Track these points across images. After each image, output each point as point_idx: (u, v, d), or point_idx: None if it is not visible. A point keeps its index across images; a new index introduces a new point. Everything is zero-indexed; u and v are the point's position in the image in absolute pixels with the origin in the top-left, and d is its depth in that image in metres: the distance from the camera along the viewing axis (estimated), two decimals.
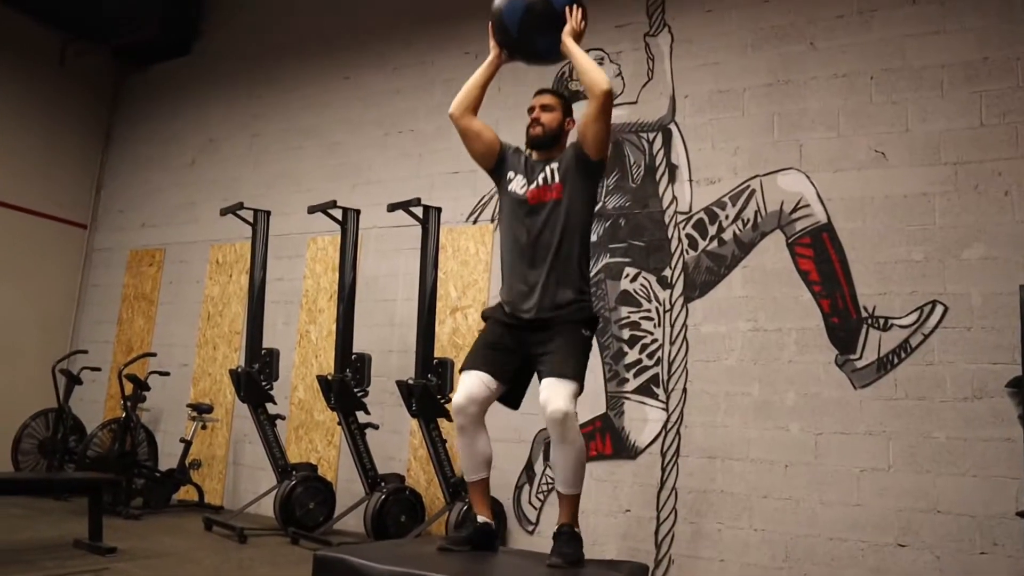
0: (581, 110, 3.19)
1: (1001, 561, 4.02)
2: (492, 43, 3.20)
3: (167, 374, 6.78)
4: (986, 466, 4.14)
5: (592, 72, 2.95)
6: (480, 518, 3.08)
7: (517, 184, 3.05)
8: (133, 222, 7.89)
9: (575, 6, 3.05)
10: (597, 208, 4.04)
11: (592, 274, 5.08)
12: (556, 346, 2.90)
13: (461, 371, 3.04)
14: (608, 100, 2.94)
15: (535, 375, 3.04)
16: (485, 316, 3.18)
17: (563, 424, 2.76)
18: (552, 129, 3.09)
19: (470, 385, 2.96)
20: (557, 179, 2.99)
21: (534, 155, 3.13)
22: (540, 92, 3.24)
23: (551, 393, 2.81)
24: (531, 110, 3.17)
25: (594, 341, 3.18)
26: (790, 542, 4.49)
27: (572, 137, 3.25)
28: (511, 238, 3.04)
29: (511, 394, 3.09)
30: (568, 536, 2.71)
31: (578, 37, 3.06)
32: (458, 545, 2.88)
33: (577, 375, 2.88)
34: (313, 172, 6.79)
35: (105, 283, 7.94)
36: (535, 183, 3.00)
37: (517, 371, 3.01)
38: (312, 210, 5.63)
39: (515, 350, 2.99)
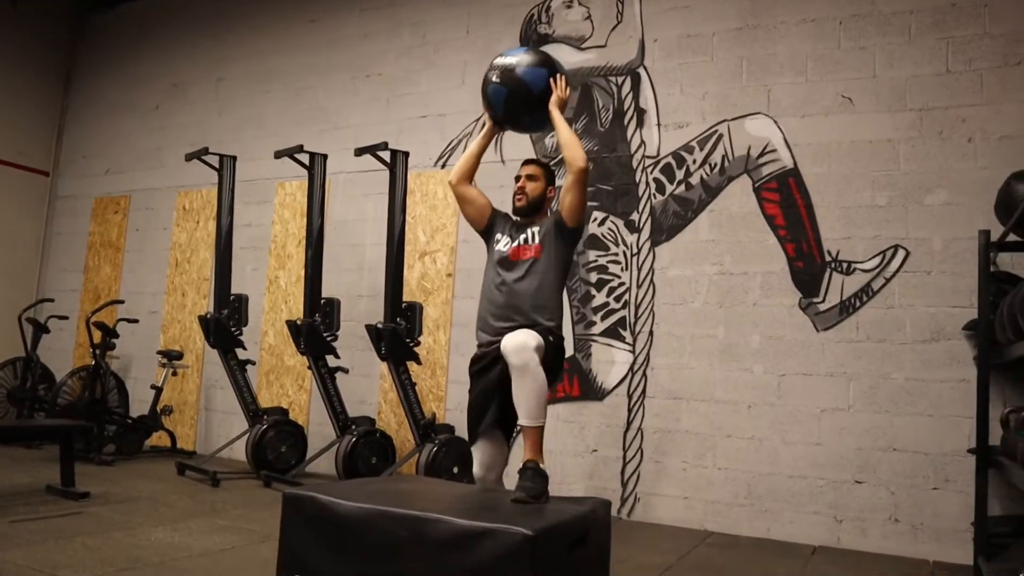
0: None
1: (952, 496, 4.17)
2: (487, 117, 3.40)
3: (136, 321, 6.75)
4: (941, 406, 4.27)
5: (572, 148, 3.16)
6: (541, 464, 3.13)
7: (502, 244, 3.27)
8: (97, 168, 7.76)
9: (559, 76, 3.26)
10: None
11: None
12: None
13: (470, 443, 3.22)
14: (584, 176, 3.15)
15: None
16: (470, 369, 3.31)
17: (521, 352, 2.86)
18: (535, 199, 3.29)
19: (480, 458, 3.17)
20: (537, 240, 3.21)
21: (520, 220, 3.35)
22: (527, 163, 3.42)
23: (512, 335, 2.95)
24: (517, 179, 3.34)
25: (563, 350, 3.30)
26: (752, 480, 4.62)
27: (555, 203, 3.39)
28: (489, 288, 3.24)
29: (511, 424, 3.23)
30: (533, 472, 2.78)
31: (563, 105, 3.26)
32: (540, 497, 2.93)
33: (542, 340, 2.98)
34: (280, 117, 6.70)
35: (70, 231, 7.84)
36: (516, 242, 3.23)
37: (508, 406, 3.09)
38: (279, 155, 5.58)
39: (502, 384, 3.08)
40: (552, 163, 5.09)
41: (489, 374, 3.13)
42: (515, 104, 3.23)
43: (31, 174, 7.89)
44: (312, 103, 6.57)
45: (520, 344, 2.88)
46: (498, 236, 3.31)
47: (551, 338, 3.09)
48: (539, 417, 2.89)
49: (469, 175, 3.40)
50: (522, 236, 3.23)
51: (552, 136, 3.22)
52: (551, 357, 3.06)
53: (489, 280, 3.26)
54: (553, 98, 3.22)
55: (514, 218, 3.37)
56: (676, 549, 4.13)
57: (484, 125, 3.43)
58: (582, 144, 3.21)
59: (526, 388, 2.87)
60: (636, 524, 4.76)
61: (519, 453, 2.98)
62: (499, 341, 3.01)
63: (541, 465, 2.83)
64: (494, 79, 3.23)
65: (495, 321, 3.16)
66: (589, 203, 5.18)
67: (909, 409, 4.33)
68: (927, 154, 4.47)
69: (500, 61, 3.27)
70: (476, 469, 3.19)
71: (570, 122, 3.31)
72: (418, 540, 2.28)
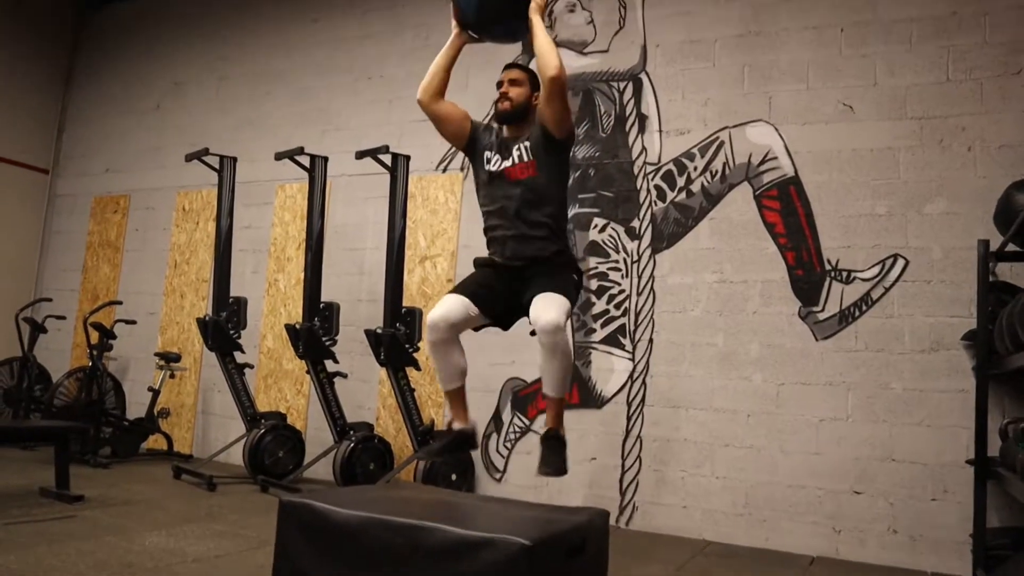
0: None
1: (951, 507, 4.16)
2: (454, 23, 3.20)
3: (134, 323, 6.73)
4: (940, 416, 4.25)
5: (546, 55, 2.93)
6: (456, 424, 3.22)
7: (494, 162, 3.12)
8: (97, 167, 7.74)
9: None
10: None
11: None
12: (544, 278, 3.00)
13: (447, 293, 3.12)
14: (556, 86, 2.93)
15: (525, 315, 3.09)
16: (477, 263, 3.24)
17: (554, 335, 2.82)
18: (520, 104, 3.12)
19: (449, 306, 3.02)
20: (530, 156, 3.06)
21: (505, 131, 3.18)
22: (509, 67, 3.26)
23: (542, 307, 2.88)
24: (499, 84, 3.18)
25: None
26: (750, 489, 4.61)
27: None
28: (495, 209, 3.11)
29: (500, 320, 3.17)
30: (554, 441, 2.91)
31: (543, 11, 3.06)
32: (438, 455, 3.07)
33: (567, 293, 2.98)
34: (281, 118, 6.69)
35: (69, 230, 7.82)
36: (510, 160, 3.07)
37: (503, 311, 3.10)
38: (279, 156, 5.57)
39: (503, 293, 3.08)
40: None
41: (497, 285, 3.10)
42: (490, 6, 2.98)
43: (30, 172, 7.87)
44: (313, 104, 6.56)
45: (553, 324, 2.82)
46: (486, 153, 3.15)
47: (575, 276, 3.08)
48: (562, 390, 2.97)
49: (439, 91, 3.17)
50: (515, 153, 3.07)
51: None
52: (574, 290, 3.08)
53: (493, 209, 3.12)
54: (533, 4, 3.00)
55: (496, 127, 3.20)
56: (674, 559, 4.11)
57: (452, 31, 3.19)
58: (557, 52, 2.95)
59: (555, 364, 2.89)
60: (634, 533, 4.75)
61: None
62: (516, 263, 3.03)
63: (562, 432, 2.96)
64: None
65: (516, 247, 3.06)
66: (589, 210, 5.20)
67: (908, 419, 4.32)
68: (927, 163, 4.46)
69: None
70: (433, 314, 3.00)
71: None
72: (414, 549, 2.27)
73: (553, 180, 3.06)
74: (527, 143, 3.08)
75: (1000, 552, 3.65)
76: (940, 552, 4.14)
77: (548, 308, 2.85)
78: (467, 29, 3.13)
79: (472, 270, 3.29)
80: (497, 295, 3.08)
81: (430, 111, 3.19)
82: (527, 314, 2.97)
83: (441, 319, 2.98)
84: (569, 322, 2.94)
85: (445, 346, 3.03)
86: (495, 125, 3.23)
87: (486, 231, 3.21)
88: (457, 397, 3.22)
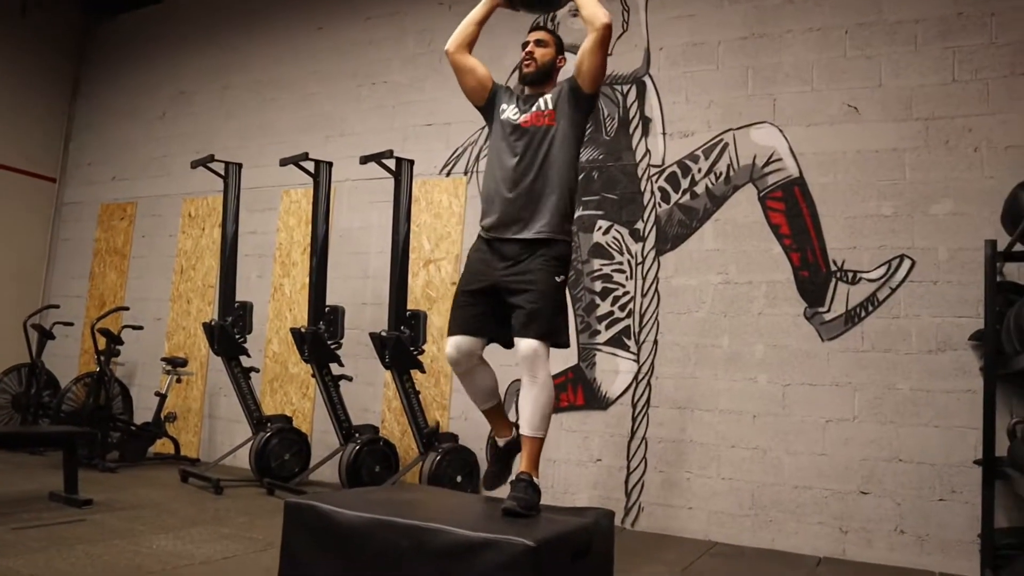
0: (571, 62, 3.20)
1: (958, 508, 4.14)
2: None
3: (140, 328, 6.75)
4: (947, 416, 4.24)
5: (593, 7, 2.97)
6: (499, 439, 3.23)
7: (510, 112, 3.09)
8: (103, 175, 7.78)
9: None
10: None
11: None
12: (531, 297, 2.90)
13: (448, 335, 3.09)
14: (607, 33, 2.96)
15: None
16: (469, 254, 3.21)
17: (534, 362, 2.81)
18: (545, 64, 3.12)
19: (456, 344, 3.04)
20: (551, 106, 3.05)
21: (527, 90, 3.18)
22: (534, 29, 3.25)
23: (527, 341, 2.87)
24: (525, 45, 3.18)
25: (567, 293, 3.22)
26: (756, 490, 4.59)
27: (563, 76, 3.25)
28: (498, 162, 3.07)
29: (499, 337, 3.12)
30: (526, 484, 2.72)
31: None
32: (500, 478, 3.03)
33: (551, 330, 2.91)
34: (286, 124, 6.71)
35: (76, 237, 7.86)
36: (528, 111, 3.06)
37: (497, 320, 3.03)
38: (284, 162, 5.58)
39: (491, 294, 3.00)
40: None
41: (486, 279, 3.02)
42: None
43: (38, 180, 7.91)
44: (318, 110, 6.58)
45: (533, 354, 2.81)
46: (503, 107, 3.13)
47: (559, 278, 2.95)
48: (541, 429, 2.84)
49: (468, 43, 3.19)
50: (534, 105, 3.05)
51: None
52: (561, 295, 2.98)
53: (496, 154, 3.09)
54: None
55: (518, 89, 3.19)
56: (680, 560, 4.10)
57: None
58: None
59: (533, 398, 2.82)
60: (640, 534, 4.74)
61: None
62: (508, 238, 2.95)
63: (535, 479, 2.78)
64: None
65: (508, 210, 2.98)
66: (593, 212, 5.20)
67: (915, 420, 4.31)
68: (933, 164, 4.45)
69: None
70: (449, 353, 3.04)
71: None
72: (419, 550, 2.27)
73: (566, 136, 3.02)
74: (549, 96, 3.08)
75: (1008, 552, 3.64)
76: (948, 552, 4.12)
77: (530, 341, 2.84)
78: None
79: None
80: (487, 316, 3.01)
81: (455, 60, 3.20)
82: (506, 337, 3.02)
83: (456, 357, 3.03)
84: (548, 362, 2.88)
85: (470, 375, 3.09)
86: (516, 88, 3.22)
87: (484, 196, 3.13)
88: (493, 415, 3.23)
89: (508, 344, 3.06)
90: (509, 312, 2.95)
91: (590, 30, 2.97)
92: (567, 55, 3.26)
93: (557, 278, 2.95)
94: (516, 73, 3.21)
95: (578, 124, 3.08)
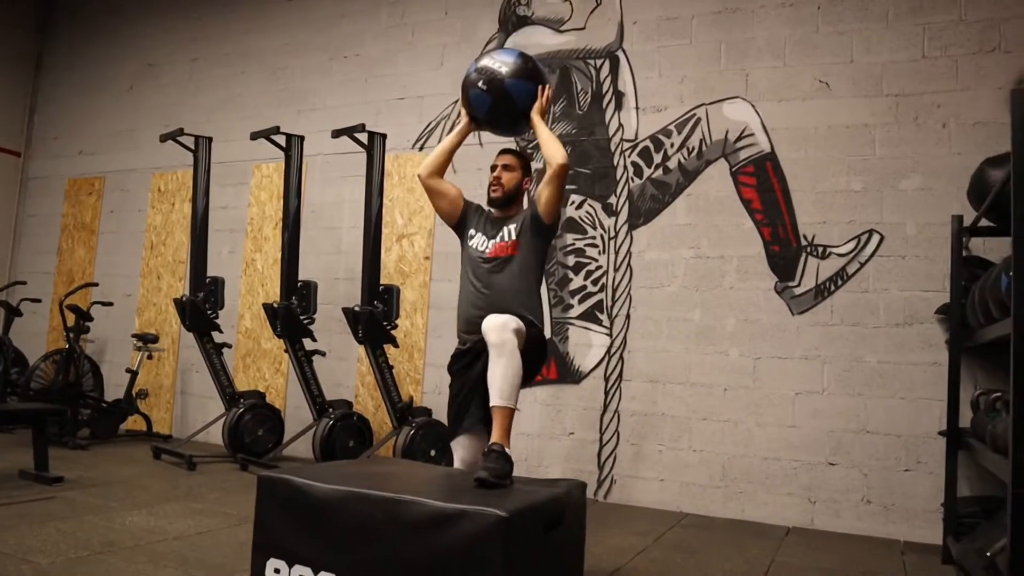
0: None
1: (923, 478, 4.23)
2: (463, 113, 3.35)
3: (110, 304, 6.68)
4: (913, 389, 4.32)
5: (551, 146, 3.15)
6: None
7: (478, 241, 3.25)
8: (70, 149, 7.65)
9: (546, 86, 3.25)
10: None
11: None
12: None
13: (452, 437, 3.19)
14: (562, 172, 3.13)
15: None
16: (450, 369, 3.30)
17: (502, 332, 2.85)
18: (511, 190, 3.27)
19: (465, 452, 3.13)
20: (514, 236, 3.20)
21: (494, 212, 3.33)
22: (503, 152, 3.37)
23: (493, 316, 2.93)
24: (493, 168, 3.31)
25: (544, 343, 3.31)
26: (727, 462, 4.66)
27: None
28: (469, 288, 3.22)
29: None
30: (498, 454, 2.74)
31: (544, 113, 3.25)
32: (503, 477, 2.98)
33: (520, 320, 2.97)
34: (256, 97, 6.63)
35: (42, 212, 7.73)
36: (494, 240, 3.21)
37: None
38: (255, 136, 5.52)
39: (477, 386, 3.07)
40: (529, 147, 5.10)
41: (472, 370, 3.10)
42: (497, 114, 3.23)
43: (2, 154, 7.76)
44: (288, 84, 6.50)
45: (500, 324, 2.86)
46: (472, 231, 3.29)
47: (533, 331, 3.07)
48: (511, 399, 2.86)
49: (440, 170, 3.35)
50: (499, 235, 3.21)
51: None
52: (532, 348, 3.03)
53: (467, 281, 3.24)
54: (536, 106, 3.21)
55: (488, 210, 3.34)
56: (651, 530, 4.16)
57: (460, 122, 3.36)
58: (561, 143, 3.22)
59: (502, 367, 2.84)
60: (612, 506, 4.79)
61: None
62: (480, 335, 2.96)
63: (507, 449, 2.80)
64: (480, 85, 3.18)
65: (477, 318, 3.06)
66: (567, 187, 5.19)
67: (882, 392, 4.38)
68: (902, 140, 4.50)
69: (487, 64, 3.20)
70: (457, 465, 3.13)
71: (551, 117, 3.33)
72: (393, 521, 2.28)
73: (529, 263, 3.19)
74: (514, 226, 3.23)
75: (970, 520, 3.73)
76: (912, 521, 4.22)
77: (498, 316, 2.91)
78: (476, 123, 3.32)
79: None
80: (482, 388, 3.02)
81: (429, 185, 3.34)
82: None
83: (468, 468, 3.08)
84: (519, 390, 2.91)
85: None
86: (486, 208, 3.36)
87: (459, 312, 3.26)
88: None
89: None
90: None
91: (548, 166, 3.14)
92: (530, 170, 3.39)
93: (532, 329, 3.06)
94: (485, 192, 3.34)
95: (539, 250, 3.26)
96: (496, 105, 3.19)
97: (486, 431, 2.96)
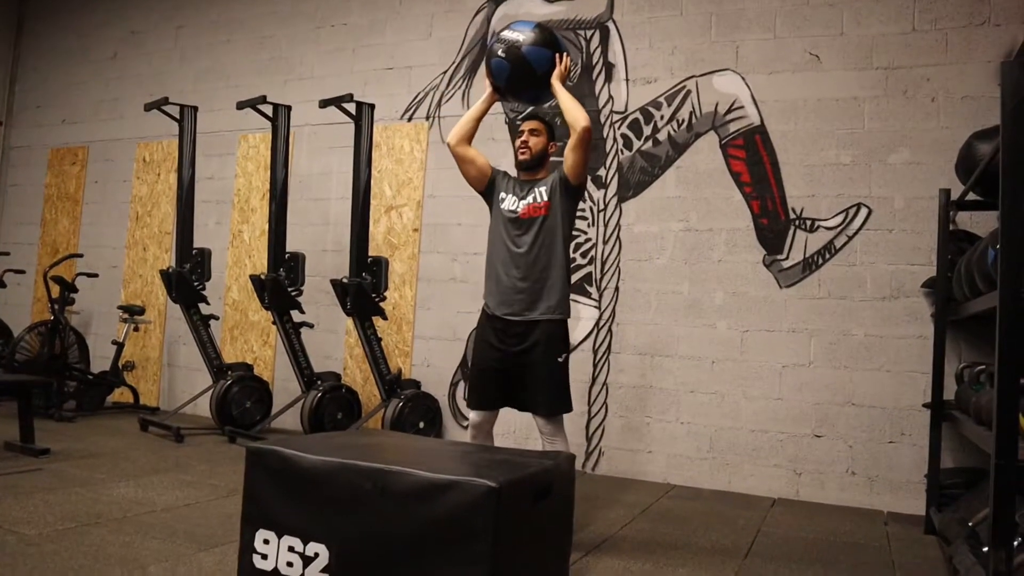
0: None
1: (907, 449, 4.27)
2: (487, 83, 3.43)
3: (96, 276, 6.63)
4: (899, 362, 4.35)
5: (574, 111, 3.22)
6: None
7: (509, 202, 3.34)
8: (52, 118, 7.54)
9: (564, 54, 3.34)
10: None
11: None
12: (539, 380, 3.24)
13: (469, 407, 3.40)
14: (586, 135, 3.21)
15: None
16: (479, 323, 3.44)
17: (554, 432, 3.29)
18: (538, 152, 3.38)
19: (482, 420, 3.36)
20: (545, 198, 3.29)
21: (521, 176, 3.42)
22: (528, 117, 3.50)
23: (539, 418, 3.29)
24: (520, 134, 3.40)
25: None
26: (714, 434, 4.70)
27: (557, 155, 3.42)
28: (502, 249, 3.33)
29: (513, 404, 3.37)
30: None
31: (564, 80, 3.32)
32: None
33: (559, 407, 3.30)
34: (242, 67, 6.54)
35: (25, 182, 7.64)
36: (526, 200, 3.31)
37: (509, 391, 3.31)
38: (241, 106, 5.46)
39: (501, 370, 3.28)
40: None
41: (501, 353, 3.26)
42: (516, 80, 3.31)
43: None
44: (275, 53, 6.42)
45: (551, 428, 3.29)
46: (502, 195, 3.38)
47: (560, 358, 3.27)
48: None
49: (468, 137, 3.43)
50: (531, 196, 3.31)
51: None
52: (565, 372, 3.31)
53: (500, 242, 3.35)
54: (556, 73, 3.30)
55: (515, 175, 3.45)
56: (639, 502, 4.20)
57: (486, 90, 3.44)
58: (583, 107, 3.30)
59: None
60: (600, 478, 4.83)
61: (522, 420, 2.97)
62: (513, 319, 3.23)
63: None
64: (499, 52, 3.29)
65: (513, 294, 3.26)
66: (556, 159, 5.15)
67: (868, 365, 4.42)
68: (891, 113, 4.49)
69: (507, 35, 3.31)
70: (473, 418, 3.34)
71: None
72: (382, 492, 2.28)
73: (560, 223, 3.30)
74: (544, 188, 3.31)
75: (953, 491, 3.77)
76: (896, 492, 4.27)
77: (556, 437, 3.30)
78: (498, 92, 3.41)
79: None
80: (500, 391, 3.31)
81: (458, 153, 3.42)
82: (520, 406, 3.34)
83: (481, 422, 3.35)
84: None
85: (480, 436, 3.39)
86: (512, 174, 3.46)
87: (487, 277, 3.39)
88: None
89: (522, 409, 3.37)
90: (520, 384, 3.27)
91: (572, 131, 3.23)
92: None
93: (559, 358, 3.27)
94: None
95: (569, 211, 3.35)
96: (515, 71, 3.28)
97: (494, 411, 3.34)
